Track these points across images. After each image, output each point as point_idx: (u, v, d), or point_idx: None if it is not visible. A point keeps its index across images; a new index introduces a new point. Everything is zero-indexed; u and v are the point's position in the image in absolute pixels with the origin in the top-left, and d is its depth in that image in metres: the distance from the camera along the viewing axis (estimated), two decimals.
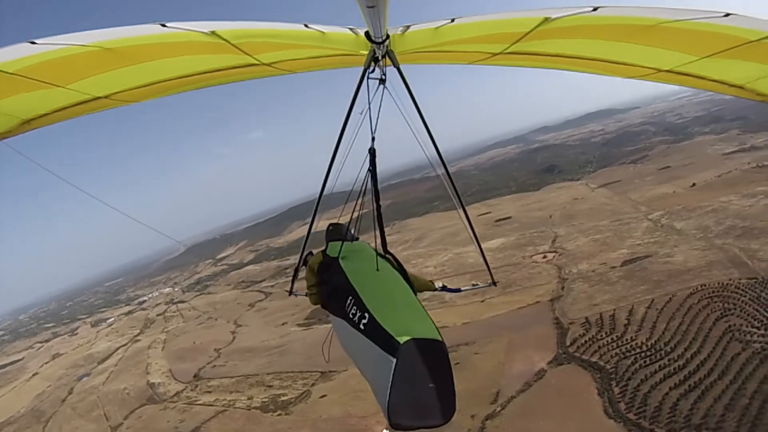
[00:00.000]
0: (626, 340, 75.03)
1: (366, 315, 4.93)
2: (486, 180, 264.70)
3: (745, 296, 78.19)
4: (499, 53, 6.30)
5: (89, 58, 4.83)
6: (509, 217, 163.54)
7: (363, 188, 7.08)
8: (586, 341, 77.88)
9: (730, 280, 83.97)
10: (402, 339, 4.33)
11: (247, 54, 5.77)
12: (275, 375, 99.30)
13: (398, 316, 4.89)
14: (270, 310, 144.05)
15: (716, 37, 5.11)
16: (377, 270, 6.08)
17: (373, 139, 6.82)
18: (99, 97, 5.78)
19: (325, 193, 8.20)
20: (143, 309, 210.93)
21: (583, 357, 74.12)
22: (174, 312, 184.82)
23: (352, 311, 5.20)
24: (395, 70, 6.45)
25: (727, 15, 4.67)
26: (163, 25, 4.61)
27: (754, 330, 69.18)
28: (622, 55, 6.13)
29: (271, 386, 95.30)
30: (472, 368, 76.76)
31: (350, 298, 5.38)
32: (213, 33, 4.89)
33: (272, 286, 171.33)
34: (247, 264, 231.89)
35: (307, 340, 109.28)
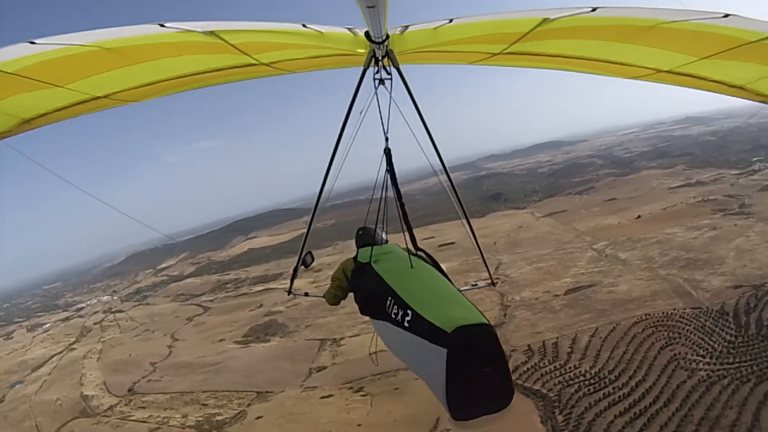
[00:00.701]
0: (570, 368, 74.75)
1: (409, 312, 4.81)
2: (431, 205, 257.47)
3: (689, 325, 79.29)
4: (498, 53, 6.32)
5: (89, 58, 4.84)
6: (453, 243, 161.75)
7: (384, 190, 7.02)
8: (528, 369, 77.09)
9: (674, 309, 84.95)
10: (450, 328, 4.20)
11: (246, 54, 5.78)
12: (211, 393, 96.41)
13: (441, 307, 4.72)
14: (208, 326, 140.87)
15: (716, 37, 5.12)
16: (411, 267, 5.94)
17: (386, 138, 6.80)
18: (98, 97, 5.79)
19: (324, 193, 8.16)
20: (80, 316, 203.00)
21: (526, 385, 73.09)
22: (111, 321, 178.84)
23: (394, 311, 5.09)
24: (394, 70, 6.42)
25: (727, 16, 4.67)
26: (162, 25, 4.58)
27: (700, 358, 70.14)
28: (622, 56, 6.14)
29: (206, 405, 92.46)
30: (411, 393, 74.73)
31: (389, 298, 5.26)
32: (212, 33, 4.88)
33: (211, 301, 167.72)
34: (188, 276, 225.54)
35: (245, 358, 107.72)
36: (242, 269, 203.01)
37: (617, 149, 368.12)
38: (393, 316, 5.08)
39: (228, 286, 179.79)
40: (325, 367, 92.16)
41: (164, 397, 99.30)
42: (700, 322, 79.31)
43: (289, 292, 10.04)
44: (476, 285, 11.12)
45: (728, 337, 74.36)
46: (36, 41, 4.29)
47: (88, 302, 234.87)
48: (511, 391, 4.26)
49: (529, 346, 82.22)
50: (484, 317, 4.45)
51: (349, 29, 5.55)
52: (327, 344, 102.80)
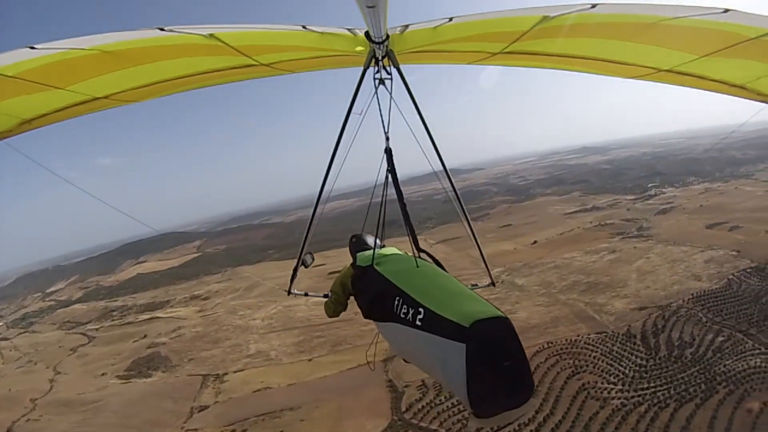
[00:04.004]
0: None
1: (420, 310, 4.63)
2: (326, 231, 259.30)
3: (596, 351, 77.97)
4: (498, 53, 6.21)
5: (89, 61, 4.87)
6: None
7: (385, 190, 6.90)
8: (423, 406, 73.90)
9: (578, 335, 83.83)
10: (467, 322, 4.05)
11: (246, 55, 5.71)
12: None
13: (455, 303, 4.53)
14: (91, 357, 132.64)
15: (715, 34, 5.09)
16: (417, 267, 5.72)
17: (387, 138, 6.68)
18: (99, 98, 5.72)
19: (325, 193, 7.88)
20: None
21: (421, 424, 70.26)
22: None
23: (403, 311, 4.88)
24: (394, 70, 6.38)
25: (726, 11, 4.60)
26: (162, 29, 4.60)
27: (611, 386, 68.53)
28: (622, 55, 6.05)
29: None
30: None
31: (397, 299, 5.06)
32: (212, 36, 4.91)
33: (97, 330, 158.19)
34: (75, 302, 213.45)
35: (125, 396, 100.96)
36: (130, 296, 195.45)
37: (513, 177, 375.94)
38: (402, 316, 4.84)
39: (114, 313, 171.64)
40: (207, 407, 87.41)
41: None
42: (607, 347, 77.99)
43: (289, 293, 9.59)
44: (476, 285, 10.43)
45: (639, 361, 73.22)
46: (36, 46, 4.30)
47: None
48: (531, 385, 4.06)
49: (423, 381, 78.55)
50: (500, 311, 4.26)
51: (349, 30, 5.45)
52: (210, 380, 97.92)
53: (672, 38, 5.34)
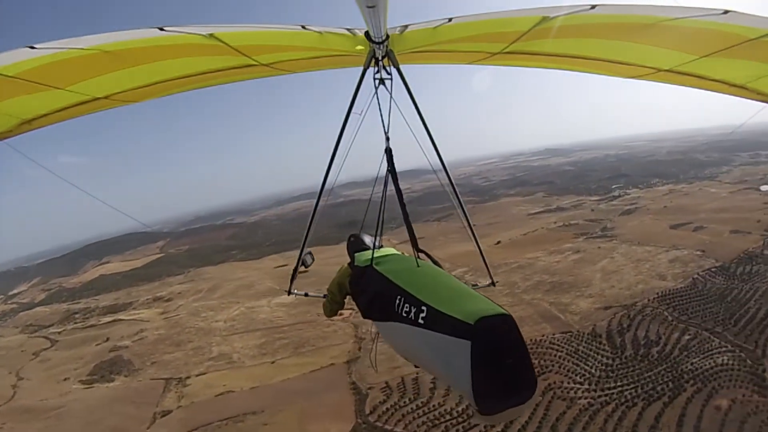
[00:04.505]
0: (433, 406, 71.48)
1: (423, 308, 4.66)
2: (287, 231, 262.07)
3: (561, 351, 78.38)
4: (498, 53, 6.29)
5: (89, 61, 4.90)
6: (306, 270, 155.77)
7: (384, 190, 7.00)
8: (388, 408, 73.39)
9: (543, 335, 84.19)
10: (472, 320, 4.07)
11: (246, 55, 5.76)
12: None
13: (458, 301, 4.57)
14: (54, 362, 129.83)
15: (715, 35, 5.13)
16: (417, 266, 5.76)
17: (387, 138, 6.77)
18: (99, 98, 5.77)
19: (324, 193, 8.26)
20: None
21: (386, 427, 69.75)
22: None
23: (405, 310, 4.90)
24: (394, 70, 6.43)
25: (726, 12, 4.67)
26: (162, 29, 4.62)
27: (577, 386, 68.90)
28: (622, 55, 6.11)
29: None
30: None
31: (399, 297, 5.08)
32: (211, 36, 4.94)
33: (59, 333, 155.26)
34: (38, 304, 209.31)
35: (88, 401, 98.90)
36: (92, 297, 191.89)
37: (476, 178, 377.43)
38: (404, 315, 4.85)
39: (77, 316, 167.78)
40: (170, 411, 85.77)
41: None
42: (572, 346, 78.43)
43: (289, 293, 9.92)
44: (476, 285, 10.38)
45: (605, 360, 73.80)
46: (36, 46, 4.32)
47: None
48: (534, 382, 4.05)
49: (386, 383, 78.52)
50: (503, 308, 4.26)
51: (348, 29, 5.49)
52: (172, 384, 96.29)
53: (672, 39, 5.40)
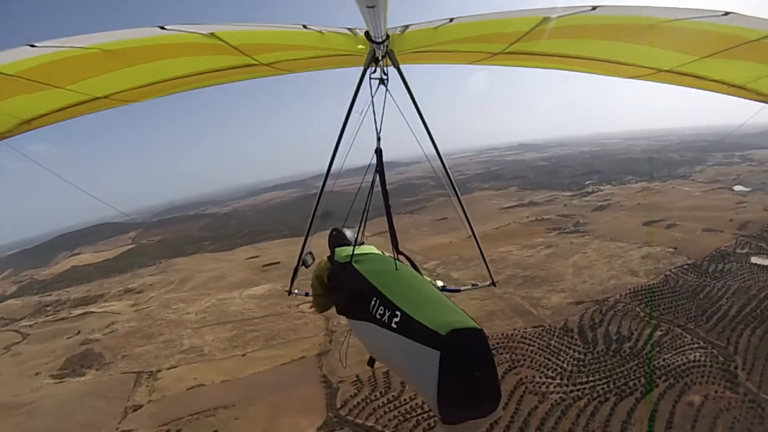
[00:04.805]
0: (404, 400, 71.73)
1: (397, 313, 4.72)
2: (259, 222, 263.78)
3: (533, 345, 78.87)
4: (499, 53, 6.30)
5: (89, 60, 4.88)
6: (278, 262, 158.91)
7: (371, 189, 6.88)
8: (359, 402, 73.65)
9: (514, 330, 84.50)
10: (444, 331, 4.16)
11: (247, 55, 5.77)
12: None
13: (432, 310, 4.63)
14: (25, 356, 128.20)
15: (716, 36, 5.14)
16: (396, 269, 5.80)
17: (378, 139, 6.81)
18: (99, 98, 5.76)
19: (324, 194, 8.41)
20: None
21: (357, 420, 69.94)
22: None
23: (379, 312, 4.95)
24: (394, 70, 6.40)
25: (727, 14, 4.67)
26: (162, 28, 4.62)
27: (549, 380, 69.31)
28: (622, 55, 6.15)
29: None
30: None
31: (374, 299, 5.12)
32: (212, 35, 4.94)
33: (30, 326, 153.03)
34: (9, 297, 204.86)
35: (59, 396, 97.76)
36: (64, 290, 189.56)
37: (450, 171, 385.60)
38: (378, 317, 4.89)
39: (48, 309, 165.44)
40: (141, 406, 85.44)
41: None
42: (544, 341, 78.94)
43: (290, 293, 9.54)
44: (476, 285, 10.85)
45: (577, 355, 74.32)
46: (36, 44, 4.29)
47: None
48: (499, 396, 4.15)
49: (357, 376, 78.73)
50: (475, 322, 4.35)
51: (349, 29, 5.50)
52: (143, 378, 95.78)
53: (672, 40, 5.43)
